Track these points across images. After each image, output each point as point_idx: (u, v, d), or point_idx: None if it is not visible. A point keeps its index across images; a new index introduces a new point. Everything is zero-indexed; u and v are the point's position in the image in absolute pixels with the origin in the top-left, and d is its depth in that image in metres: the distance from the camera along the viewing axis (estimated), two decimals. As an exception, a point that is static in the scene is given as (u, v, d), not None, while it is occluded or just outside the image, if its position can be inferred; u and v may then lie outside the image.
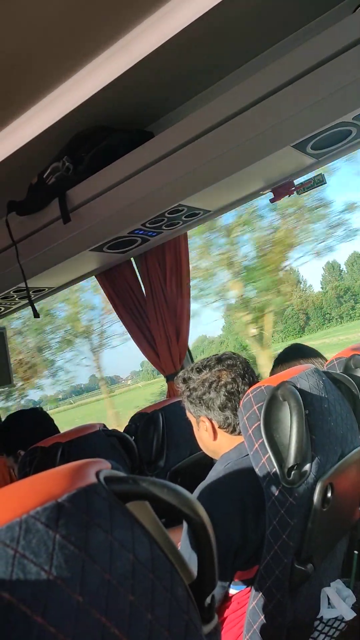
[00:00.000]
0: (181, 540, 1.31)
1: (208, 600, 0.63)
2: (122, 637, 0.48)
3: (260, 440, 1.28)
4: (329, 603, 1.36)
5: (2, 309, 3.05)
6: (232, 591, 1.38)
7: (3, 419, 3.03)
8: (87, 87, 1.84)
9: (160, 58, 1.80)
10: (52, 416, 2.41)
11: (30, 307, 2.46)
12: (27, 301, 2.91)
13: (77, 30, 1.64)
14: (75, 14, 1.57)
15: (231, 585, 1.36)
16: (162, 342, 2.95)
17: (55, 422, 2.40)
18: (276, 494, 1.26)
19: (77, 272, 2.83)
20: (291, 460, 1.24)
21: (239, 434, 1.45)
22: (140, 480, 0.58)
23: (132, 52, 1.75)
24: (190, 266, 3.01)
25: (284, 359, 2.20)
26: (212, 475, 1.42)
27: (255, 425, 1.29)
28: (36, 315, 2.45)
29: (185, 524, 1.16)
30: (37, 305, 2.60)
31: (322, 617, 1.37)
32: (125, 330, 3.09)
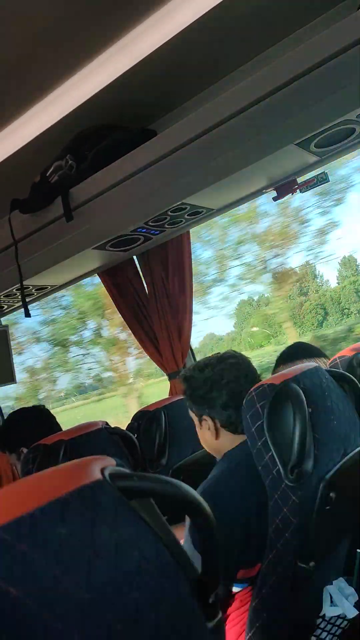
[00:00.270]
0: (184, 537, 1.31)
1: (212, 597, 0.63)
2: (127, 632, 0.48)
3: (263, 439, 1.28)
4: (332, 601, 1.36)
5: (5, 307, 3.05)
6: (235, 589, 1.38)
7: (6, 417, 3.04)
8: (90, 86, 1.84)
9: (162, 56, 1.79)
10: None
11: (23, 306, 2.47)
12: (32, 297, 2.93)
13: (80, 28, 1.64)
14: (77, 13, 1.57)
15: (234, 583, 1.37)
16: (164, 341, 2.96)
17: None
18: (279, 493, 1.26)
19: (80, 270, 2.83)
20: (294, 458, 1.24)
21: (242, 432, 1.45)
22: (144, 477, 0.58)
23: (134, 50, 1.75)
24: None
25: (286, 358, 2.20)
26: (215, 473, 1.42)
27: (258, 423, 1.30)
28: (27, 314, 2.46)
29: (187, 521, 1.16)
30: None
31: (324, 615, 1.37)
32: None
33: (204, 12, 1.63)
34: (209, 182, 1.99)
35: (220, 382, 1.50)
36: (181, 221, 2.40)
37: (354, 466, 1.39)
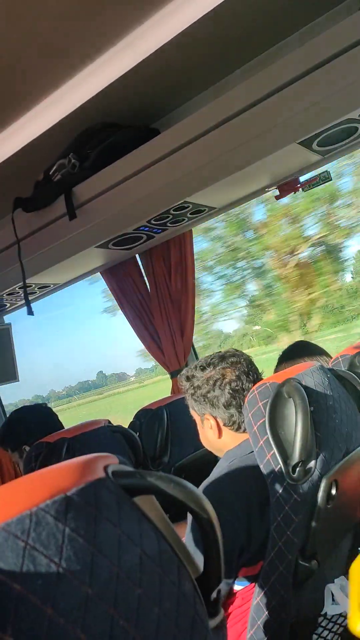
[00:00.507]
0: (185, 535, 1.31)
1: (214, 594, 0.63)
2: (130, 629, 0.48)
3: (265, 437, 1.28)
4: (333, 599, 1.36)
5: (8, 305, 3.06)
6: (237, 587, 1.38)
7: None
8: (93, 85, 1.84)
9: (166, 55, 1.80)
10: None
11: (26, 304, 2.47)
12: (34, 296, 2.93)
13: (83, 28, 1.65)
14: (80, 12, 1.57)
15: (235, 581, 1.37)
16: (166, 339, 2.96)
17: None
18: (281, 491, 1.26)
19: (82, 269, 2.84)
20: (296, 457, 1.24)
21: (244, 431, 1.45)
22: (147, 474, 0.58)
23: (138, 49, 1.75)
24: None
25: (288, 356, 2.20)
26: (217, 471, 1.42)
27: (260, 422, 1.30)
28: (30, 312, 2.46)
29: (189, 519, 1.17)
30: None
31: (325, 613, 1.38)
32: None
33: (207, 11, 1.63)
34: (212, 180, 1.99)
35: (222, 380, 1.50)
36: (184, 220, 2.41)
37: (355, 464, 1.39)
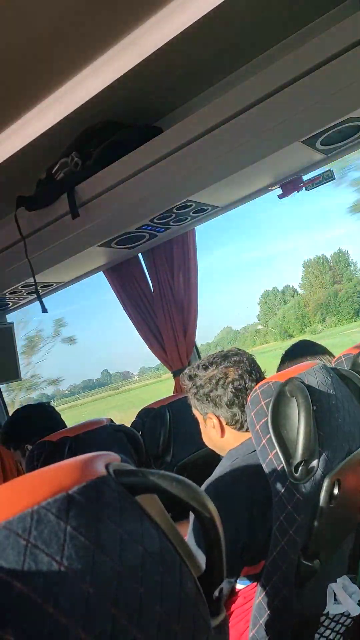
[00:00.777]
0: (187, 533, 1.31)
1: (216, 593, 0.63)
2: (132, 628, 0.48)
3: (267, 436, 1.28)
4: (335, 599, 1.36)
5: (10, 304, 3.06)
6: (239, 586, 1.38)
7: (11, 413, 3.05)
8: (96, 83, 1.84)
9: (168, 54, 1.79)
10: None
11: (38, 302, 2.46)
12: (35, 296, 2.93)
13: (86, 25, 1.64)
14: (83, 11, 1.57)
15: (238, 580, 1.37)
16: (169, 338, 2.96)
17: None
18: (283, 490, 1.26)
19: (85, 268, 2.84)
20: (298, 456, 1.24)
21: (246, 430, 1.45)
22: (149, 473, 0.58)
23: (140, 47, 1.75)
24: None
25: (291, 356, 2.20)
26: (219, 470, 1.42)
27: (263, 421, 1.29)
28: (44, 310, 2.45)
29: (191, 518, 1.16)
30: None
31: (328, 612, 1.37)
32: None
33: (209, 10, 1.63)
34: (215, 179, 1.99)
35: (224, 379, 1.50)
36: (186, 218, 2.40)
37: (358, 464, 1.39)
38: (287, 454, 1.26)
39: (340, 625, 1.43)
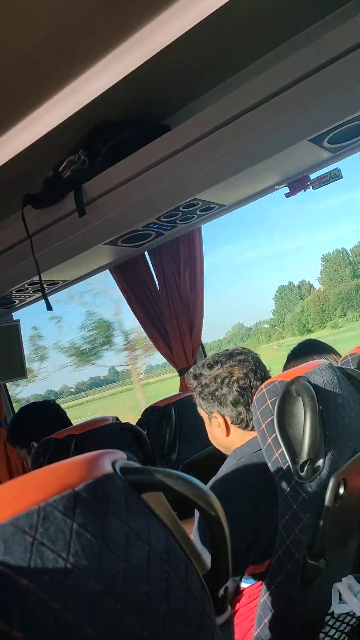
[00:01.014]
0: (193, 532, 1.31)
1: (221, 591, 0.63)
2: (137, 625, 0.48)
3: (273, 435, 1.28)
4: (341, 598, 1.36)
5: (17, 301, 3.07)
6: (244, 585, 1.38)
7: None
8: (103, 81, 1.84)
9: (176, 52, 1.79)
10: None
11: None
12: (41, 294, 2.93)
13: (94, 24, 1.64)
14: (92, 7, 1.57)
15: (243, 579, 1.37)
16: (175, 337, 2.96)
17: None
18: (288, 489, 1.26)
19: (91, 266, 2.84)
20: (304, 455, 1.24)
21: (252, 429, 1.45)
22: (155, 471, 0.58)
23: (148, 45, 1.74)
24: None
25: (297, 354, 2.20)
26: (224, 469, 1.42)
27: (269, 420, 1.29)
28: (49, 307, 2.45)
29: (197, 516, 1.16)
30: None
31: (333, 612, 1.37)
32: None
33: (218, 7, 1.62)
34: (222, 177, 1.98)
35: (229, 378, 1.50)
36: (193, 217, 2.40)
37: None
38: (293, 453, 1.26)
39: (346, 625, 1.43)
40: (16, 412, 3.04)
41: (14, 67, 1.72)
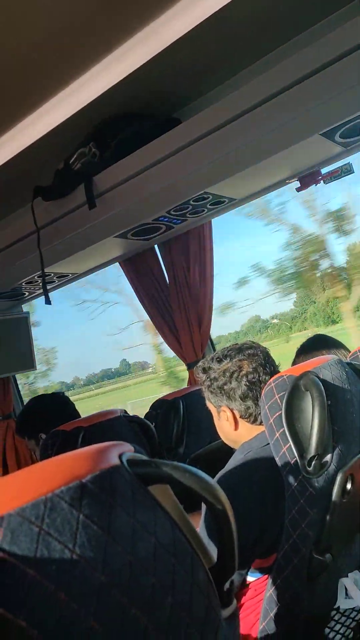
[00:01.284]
0: (200, 525, 1.32)
1: (227, 584, 0.63)
2: (143, 618, 0.48)
3: (281, 430, 1.28)
4: (347, 593, 1.36)
5: (26, 293, 3.08)
6: (250, 578, 1.38)
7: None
8: (115, 74, 1.83)
9: (188, 44, 1.78)
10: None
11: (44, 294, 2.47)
12: (52, 285, 2.94)
13: (106, 16, 1.64)
14: (104, 2, 1.56)
15: (249, 573, 1.37)
16: (184, 330, 2.96)
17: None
18: (296, 484, 1.26)
19: (101, 258, 2.85)
20: (312, 450, 1.24)
21: (260, 423, 1.45)
22: (162, 464, 0.58)
23: (160, 38, 1.74)
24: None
25: (306, 349, 2.19)
26: (232, 463, 1.42)
27: (277, 414, 1.29)
28: (47, 302, 2.46)
29: (204, 509, 1.17)
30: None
31: (339, 607, 1.37)
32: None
33: (229, 0, 1.61)
34: (233, 171, 1.98)
35: (238, 372, 1.50)
36: (203, 211, 2.40)
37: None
38: (301, 447, 1.26)
39: (351, 620, 1.43)
40: (25, 403, 3.06)
41: (25, 60, 1.72)
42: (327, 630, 1.38)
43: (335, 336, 2.23)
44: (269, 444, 1.32)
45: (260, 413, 1.42)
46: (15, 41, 1.63)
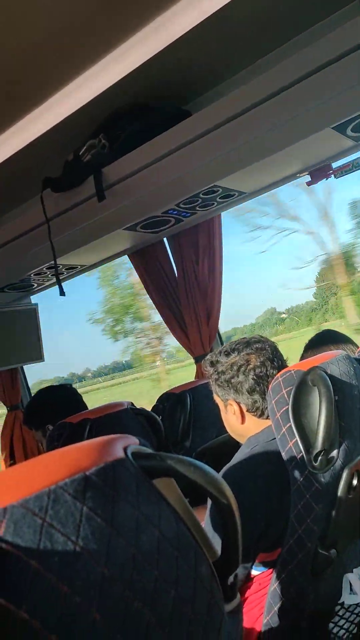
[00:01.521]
0: (205, 519, 1.32)
1: (231, 578, 0.63)
2: (146, 611, 0.48)
3: (288, 425, 1.27)
4: (351, 589, 1.36)
5: (35, 285, 3.09)
6: (254, 572, 1.38)
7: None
8: (125, 65, 1.82)
9: (199, 36, 1.77)
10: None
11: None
12: (61, 277, 2.94)
13: (115, 7, 1.63)
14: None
15: (253, 567, 1.37)
16: (192, 324, 2.96)
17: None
18: (302, 479, 1.25)
19: (110, 251, 2.85)
20: (318, 445, 1.23)
21: (267, 417, 1.45)
22: (167, 457, 0.58)
23: (171, 29, 1.73)
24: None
25: (314, 344, 2.19)
26: (238, 457, 1.42)
27: (284, 409, 1.29)
28: (62, 293, 2.46)
29: (209, 503, 1.17)
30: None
31: (343, 602, 1.37)
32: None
33: None
34: (243, 164, 1.96)
35: (246, 366, 1.49)
36: (213, 204, 2.39)
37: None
38: (307, 443, 1.25)
39: (355, 616, 1.43)
40: (33, 395, 3.07)
41: (34, 52, 1.71)
42: (331, 625, 1.39)
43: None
44: (275, 438, 1.32)
45: (267, 407, 1.41)
46: (28, 31, 1.62)
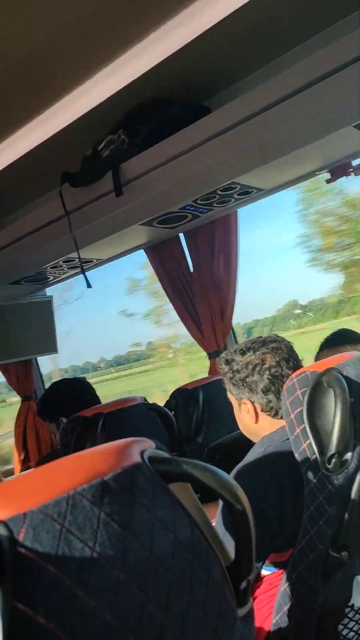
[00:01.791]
0: (217, 517, 1.32)
1: (244, 584, 0.64)
2: (160, 614, 0.49)
3: (302, 426, 1.27)
4: (362, 592, 1.36)
5: (51, 277, 3.10)
6: (265, 572, 1.39)
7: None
8: (146, 60, 1.82)
9: (220, 33, 1.76)
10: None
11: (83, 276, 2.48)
12: (76, 270, 2.96)
13: (136, 3, 1.62)
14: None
15: (264, 567, 1.37)
16: (206, 319, 2.96)
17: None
18: (315, 481, 1.25)
19: (126, 245, 2.85)
20: (333, 448, 1.23)
21: (281, 417, 1.44)
22: (183, 462, 0.58)
23: (192, 25, 1.71)
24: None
25: (329, 344, 2.18)
26: (251, 456, 1.42)
27: (298, 410, 1.28)
28: (89, 285, 2.46)
29: (221, 503, 1.17)
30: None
31: (353, 604, 1.37)
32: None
33: None
34: (262, 162, 1.96)
35: (261, 366, 1.49)
36: (230, 200, 2.38)
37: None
38: (321, 444, 1.25)
39: (365, 618, 1.42)
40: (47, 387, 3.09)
41: (55, 46, 1.71)
42: (340, 627, 1.38)
43: None
44: (288, 438, 1.32)
45: (281, 407, 1.41)
46: (51, 25, 1.62)
